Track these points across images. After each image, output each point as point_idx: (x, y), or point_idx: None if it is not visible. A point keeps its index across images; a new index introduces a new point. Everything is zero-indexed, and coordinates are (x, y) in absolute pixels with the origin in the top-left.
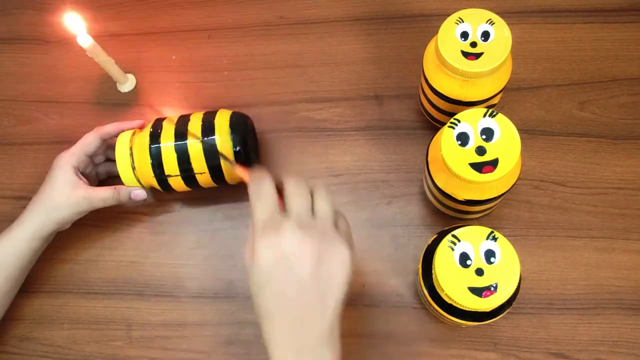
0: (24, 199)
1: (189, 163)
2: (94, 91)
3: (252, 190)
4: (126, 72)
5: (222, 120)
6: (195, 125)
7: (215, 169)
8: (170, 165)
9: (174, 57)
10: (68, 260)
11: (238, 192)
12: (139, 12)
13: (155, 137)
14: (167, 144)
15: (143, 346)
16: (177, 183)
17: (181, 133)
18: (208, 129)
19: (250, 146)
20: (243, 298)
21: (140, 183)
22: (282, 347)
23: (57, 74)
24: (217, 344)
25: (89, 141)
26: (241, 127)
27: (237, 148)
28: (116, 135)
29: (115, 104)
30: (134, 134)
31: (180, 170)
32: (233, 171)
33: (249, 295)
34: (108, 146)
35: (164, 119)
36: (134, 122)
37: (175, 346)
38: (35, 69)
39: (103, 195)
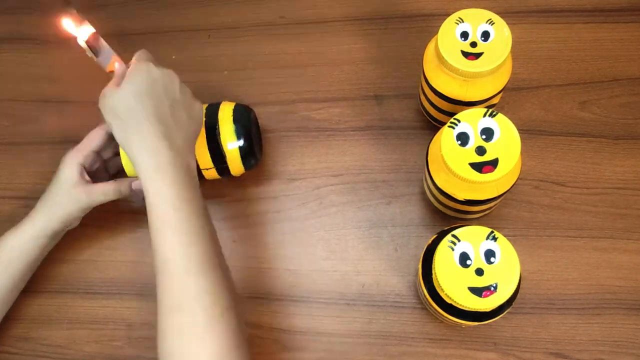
0: (24, 198)
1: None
2: (94, 91)
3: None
4: None
5: (226, 112)
6: None
7: (220, 163)
8: None
9: (174, 57)
10: (68, 260)
11: (237, 192)
12: (139, 12)
13: None
14: None
15: (143, 346)
16: None
17: None
18: (212, 120)
19: (254, 138)
20: (242, 298)
21: None
22: (150, 156)
23: (57, 74)
24: None
25: (94, 136)
26: (245, 119)
27: (241, 140)
28: None
29: None
30: None
31: None
32: (238, 165)
33: (247, 295)
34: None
35: None
36: None
37: None
38: (35, 69)
39: (102, 189)
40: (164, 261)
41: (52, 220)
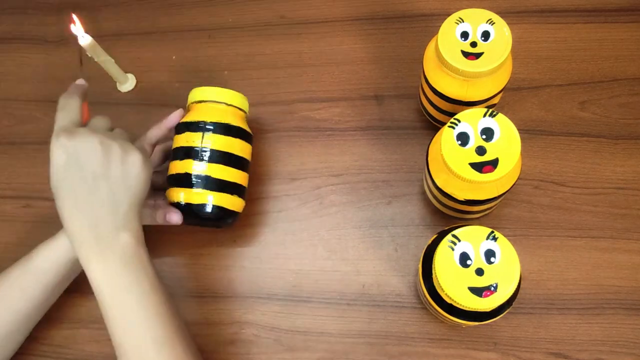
0: (24, 198)
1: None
2: (94, 91)
3: (60, 102)
4: (126, 72)
5: None
6: None
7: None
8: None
9: (174, 57)
10: None
11: None
12: (139, 12)
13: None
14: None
15: None
16: None
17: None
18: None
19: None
20: (243, 298)
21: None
22: (82, 243)
23: (57, 74)
24: (217, 344)
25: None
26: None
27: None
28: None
29: (115, 104)
30: None
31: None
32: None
33: (247, 295)
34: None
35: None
36: (174, 115)
37: None
38: (35, 69)
39: None
40: (120, 344)
41: None
